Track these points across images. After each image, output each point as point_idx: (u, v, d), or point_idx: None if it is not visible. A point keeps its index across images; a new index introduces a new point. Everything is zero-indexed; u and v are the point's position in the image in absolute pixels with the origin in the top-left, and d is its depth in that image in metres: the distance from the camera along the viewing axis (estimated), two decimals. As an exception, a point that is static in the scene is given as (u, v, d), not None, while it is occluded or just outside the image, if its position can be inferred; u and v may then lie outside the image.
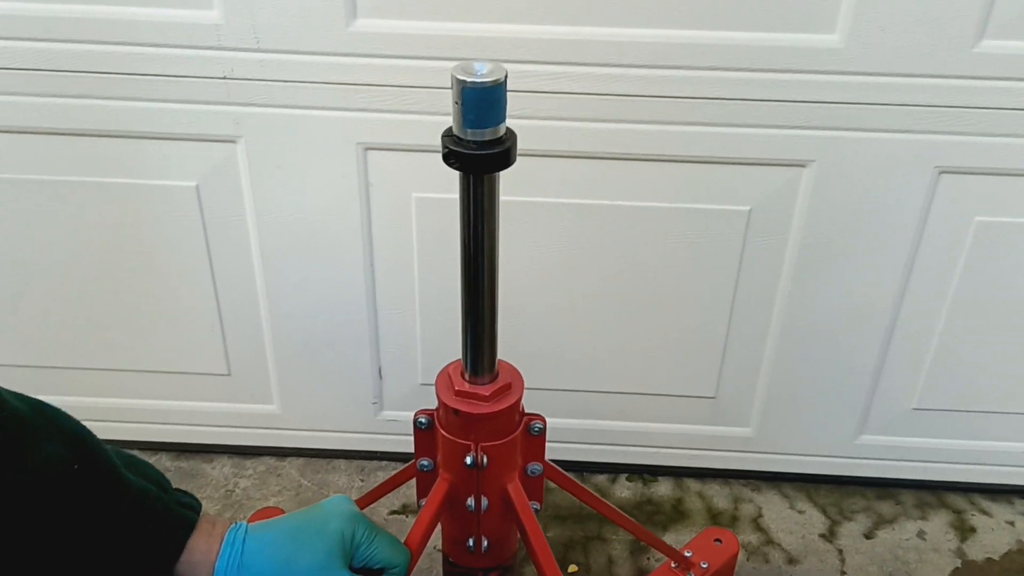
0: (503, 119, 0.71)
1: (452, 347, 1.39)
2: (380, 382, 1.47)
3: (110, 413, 1.50)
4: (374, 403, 1.49)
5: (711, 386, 1.44)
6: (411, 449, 1.29)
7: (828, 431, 1.47)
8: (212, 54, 1.18)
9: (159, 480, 0.73)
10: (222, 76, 1.20)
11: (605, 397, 1.46)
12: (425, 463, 0.88)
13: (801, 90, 1.18)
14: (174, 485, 0.74)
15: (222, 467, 1.53)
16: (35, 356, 1.45)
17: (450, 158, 0.72)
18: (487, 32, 1.15)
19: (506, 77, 0.68)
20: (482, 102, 0.69)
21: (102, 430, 0.71)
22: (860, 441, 1.48)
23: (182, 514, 0.71)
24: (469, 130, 0.70)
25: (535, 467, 0.88)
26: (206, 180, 1.29)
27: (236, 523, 0.74)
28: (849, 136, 1.21)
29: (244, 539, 0.72)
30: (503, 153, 0.71)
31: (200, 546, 0.70)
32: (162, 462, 1.53)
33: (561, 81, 1.18)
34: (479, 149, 0.71)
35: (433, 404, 0.88)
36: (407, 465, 0.98)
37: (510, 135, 0.72)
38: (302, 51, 1.18)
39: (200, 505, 0.75)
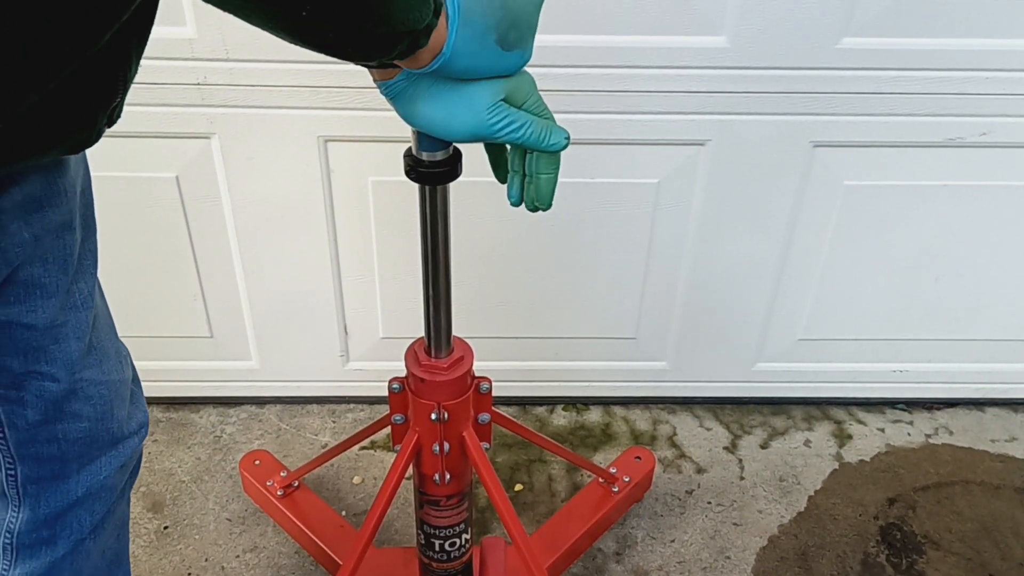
0: (450, 144, 0.90)
1: (408, 306, 1.61)
2: (346, 337, 1.68)
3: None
4: (341, 355, 1.70)
5: (632, 328, 1.69)
6: (375, 393, 1.54)
7: (730, 361, 1.74)
8: (188, 64, 1.35)
9: None
10: (196, 83, 1.37)
11: (544, 342, 1.70)
12: (398, 418, 1.10)
13: (697, 83, 1.39)
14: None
15: (208, 416, 1.74)
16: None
17: (411, 173, 0.90)
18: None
19: None
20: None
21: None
22: (756, 368, 1.75)
23: None
24: (425, 153, 0.89)
25: (484, 416, 1.11)
26: (184, 171, 1.47)
27: None
28: (739, 119, 1.43)
29: None
30: (451, 170, 0.91)
31: None
32: (154, 414, 1.73)
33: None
34: (433, 167, 0.90)
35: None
36: (380, 418, 1.20)
37: (456, 154, 0.91)
38: (267, 59, 1.35)
39: None
